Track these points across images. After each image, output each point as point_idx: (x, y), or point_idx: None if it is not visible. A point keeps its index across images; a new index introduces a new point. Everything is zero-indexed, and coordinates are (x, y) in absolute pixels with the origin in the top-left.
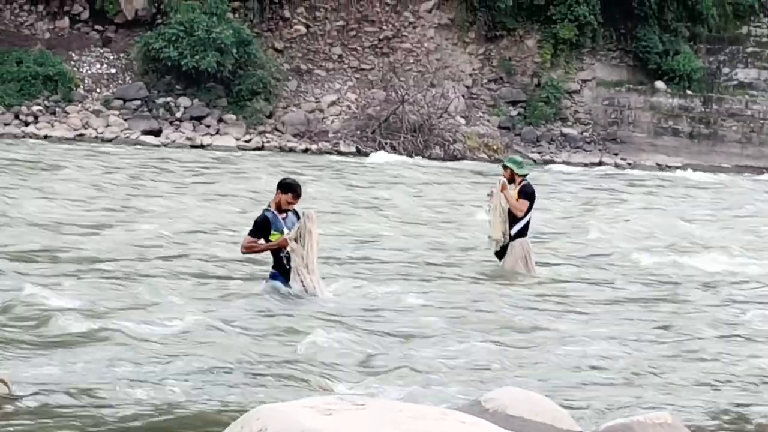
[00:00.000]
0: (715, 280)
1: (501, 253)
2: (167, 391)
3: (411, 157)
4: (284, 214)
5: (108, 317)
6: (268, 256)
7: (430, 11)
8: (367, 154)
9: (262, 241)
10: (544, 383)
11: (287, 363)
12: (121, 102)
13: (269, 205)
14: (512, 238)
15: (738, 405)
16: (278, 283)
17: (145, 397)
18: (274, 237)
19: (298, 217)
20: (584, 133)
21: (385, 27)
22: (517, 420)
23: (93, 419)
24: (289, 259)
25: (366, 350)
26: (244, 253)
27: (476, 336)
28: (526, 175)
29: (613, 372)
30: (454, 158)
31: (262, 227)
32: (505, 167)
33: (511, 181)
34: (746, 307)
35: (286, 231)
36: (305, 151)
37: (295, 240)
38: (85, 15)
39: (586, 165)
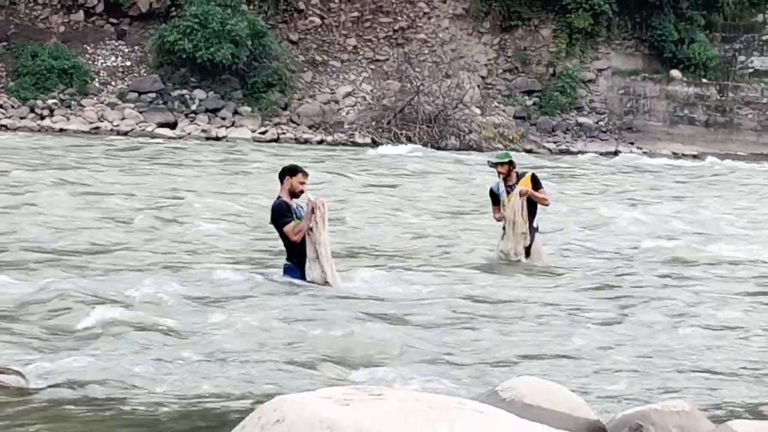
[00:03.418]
0: (736, 268)
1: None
2: (183, 383)
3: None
4: (295, 201)
5: (123, 310)
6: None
7: (444, 1)
8: (381, 145)
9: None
10: (561, 372)
11: (303, 354)
12: (137, 95)
13: (279, 196)
14: (533, 231)
15: (756, 395)
16: (293, 276)
17: (161, 390)
18: (297, 223)
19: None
20: (600, 123)
21: (399, 18)
22: (534, 409)
23: (109, 412)
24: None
25: (382, 340)
26: (297, 240)
27: (492, 325)
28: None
29: (629, 360)
30: (470, 148)
31: (287, 209)
32: (502, 164)
33: (507, 176)
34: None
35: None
36: (320, 142)
37: (310, 229)
38: (100, 8)
39: (602, 154)
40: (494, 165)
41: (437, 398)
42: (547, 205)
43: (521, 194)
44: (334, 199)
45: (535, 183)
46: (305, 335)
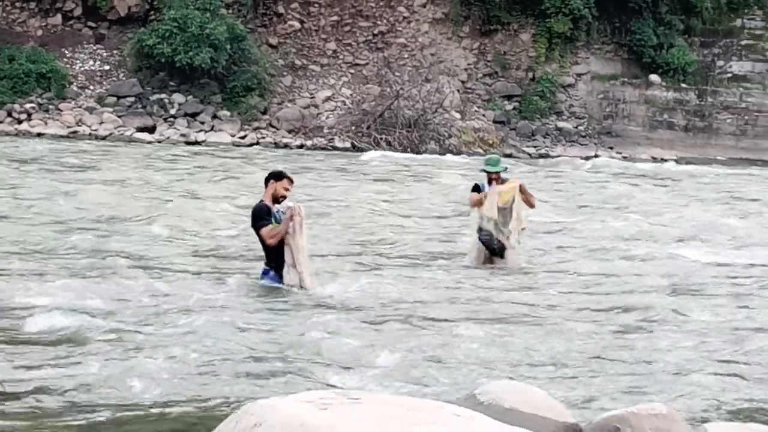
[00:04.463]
0: (715, 271)
1: (494, 253)
2: (161, 387)
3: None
4: (277, 206)
5: (101, 314)
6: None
7: (424, 6)
8: (362, 150)
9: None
10: (540, 376)
11: (282, 358)
12: (115, 99)
13: (261, 200)
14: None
15: (733, 397)
16: (272, 280)
17: (139, 394)
18: (274, 227)
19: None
20: (579, 127)
21: (379, 22)
22: (512, 412)
23: (87, 417)
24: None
25: (360, 344)
26: (273, 244)
27: (471, 329)
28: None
29: (607, 364)
30: (450, 153)
31: (267, 212)
32: (497, 172)
33: (491, 181)
34: (746, 299)
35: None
36: (300, 147)
37: (288, 233)
38: (78, 12)
39: (581, 159)
40: (489, 172)
41: (415, 402)
42: (533, 206)
43: (521, 188)
44: (315, 204)
45: (521, 188)
46: (282, 340)
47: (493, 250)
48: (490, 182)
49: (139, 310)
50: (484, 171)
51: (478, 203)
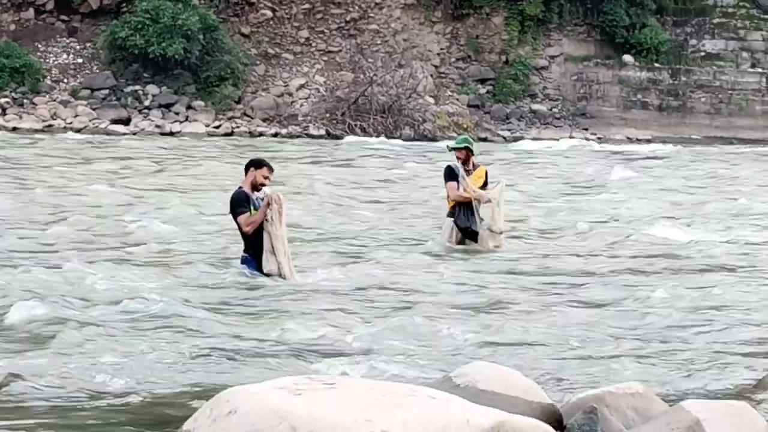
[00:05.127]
0: (684, 251)
1: (466, 235)
2: (136, 376)
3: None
4: (256, 194)
5: (74, 304)
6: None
7: None
8: (337, 137)
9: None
10: (515, 358)
11: (257, 346)
12: (89, 92)
13: (240, 187)
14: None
15: (708, 375)
16: (250, 267)
17: (113, 384)
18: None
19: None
20: (553, 109)
21: (351, 9)
22: (488, 394)
23: (60, 407)
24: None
25: (336, 330)
26: (249, 231)
27: (446, 313)
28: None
29: (582, 345)
30: (425, 138)
31: (245, 199)
32: (460, 149)
33: (465, 162)
34: (717, 279)
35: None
36: (275, 135)
37: (267, 221)
38: (50, 5)
39: (556, 140)
40: (452, 149)
41: (390, 386)
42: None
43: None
44: (293, 191)
45: (487, 177)
46: (259, 327)
47: (467, 233)
48: (464, 163)
49: (112, 299)
50: (453, 150)
51: (459, 197)
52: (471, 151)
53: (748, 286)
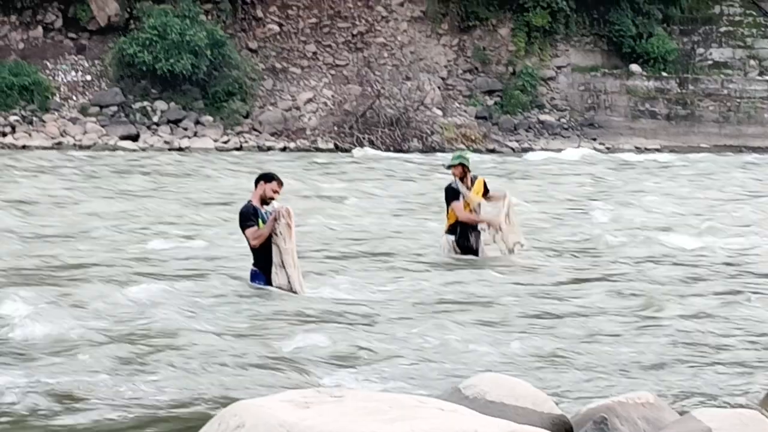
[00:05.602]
0: (694, 260)
1: (465, 248)
2: (145, 389)
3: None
4: (265, 207)
5: (85, 318)
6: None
7: (402, 4)
8: (345, 150)
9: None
10: (524, 368)
11: (266, 359)
12: (98, 108)
13: (249, 200)
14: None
15: (718, 384)
16: (259, 281)
17: (125, 396)
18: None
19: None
20: (561, 120)
21: (358, 22)
22: (497, 405)
23: (69, 419)
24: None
25: (344, 343)
26: (256, 245)
27: (454, 324)
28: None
29: (592, 355)
30: (433, 150)
31: (253, 213)
32: (455, 166)
33: (463, 177)
34: (731, 288)
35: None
36: (283, 149)
37: (275, 235)
38: (59, 23)
39: (564, 151)
40: (449, 167)
41: (398, 398)
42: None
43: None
44: (302, 205)
45: (486, 186)
46: (267, 341)
47: (466, 251)
48: (462, 179)
49: (122, 313)
50: (450, 168)
51: (469, 219)
52: (466, 166)
53: (764, 295)
